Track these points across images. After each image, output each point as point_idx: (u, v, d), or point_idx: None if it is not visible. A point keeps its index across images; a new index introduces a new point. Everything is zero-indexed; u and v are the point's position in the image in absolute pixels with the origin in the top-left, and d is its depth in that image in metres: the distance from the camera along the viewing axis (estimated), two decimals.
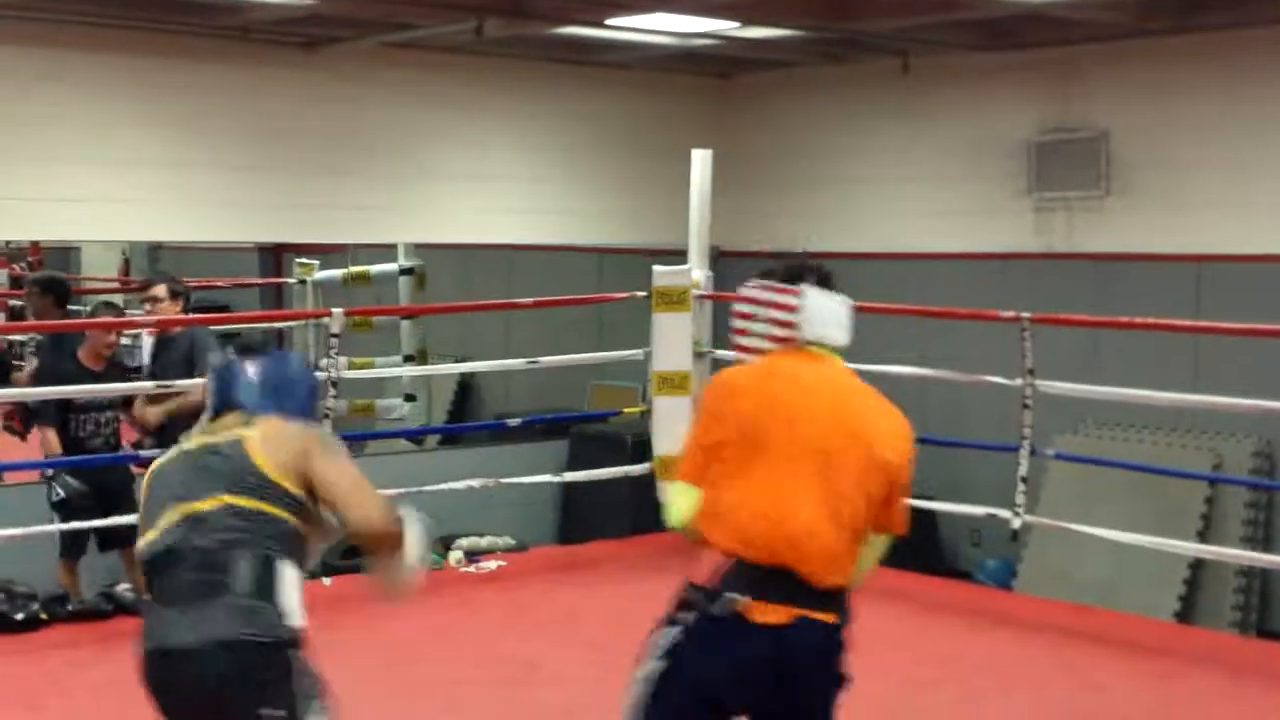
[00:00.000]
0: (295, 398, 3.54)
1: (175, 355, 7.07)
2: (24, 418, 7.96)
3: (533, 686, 5.54)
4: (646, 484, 7.37)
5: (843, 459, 3.22)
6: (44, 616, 6.19)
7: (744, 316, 3.43)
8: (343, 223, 9.24)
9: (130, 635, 5.87)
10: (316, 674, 3.26)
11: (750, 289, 3.44)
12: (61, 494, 6.73)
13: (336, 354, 6.74)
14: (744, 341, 3.43)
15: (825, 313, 3.37)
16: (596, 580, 7.13)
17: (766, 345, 3.38)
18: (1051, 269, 9.00)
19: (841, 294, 3.42)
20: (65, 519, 6.68)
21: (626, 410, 8.25)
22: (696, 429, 3.34)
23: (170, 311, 7.07)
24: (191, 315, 7.42)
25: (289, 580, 3.23)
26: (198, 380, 6.81)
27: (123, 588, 6.58)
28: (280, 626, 3.18)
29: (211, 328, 7.37)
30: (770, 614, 3.15)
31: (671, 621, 3.26)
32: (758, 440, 3.22)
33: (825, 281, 3.41)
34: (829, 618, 3.21)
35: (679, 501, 3.32)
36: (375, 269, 9.93)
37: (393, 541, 3.28)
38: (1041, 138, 9.03)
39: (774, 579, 3.16)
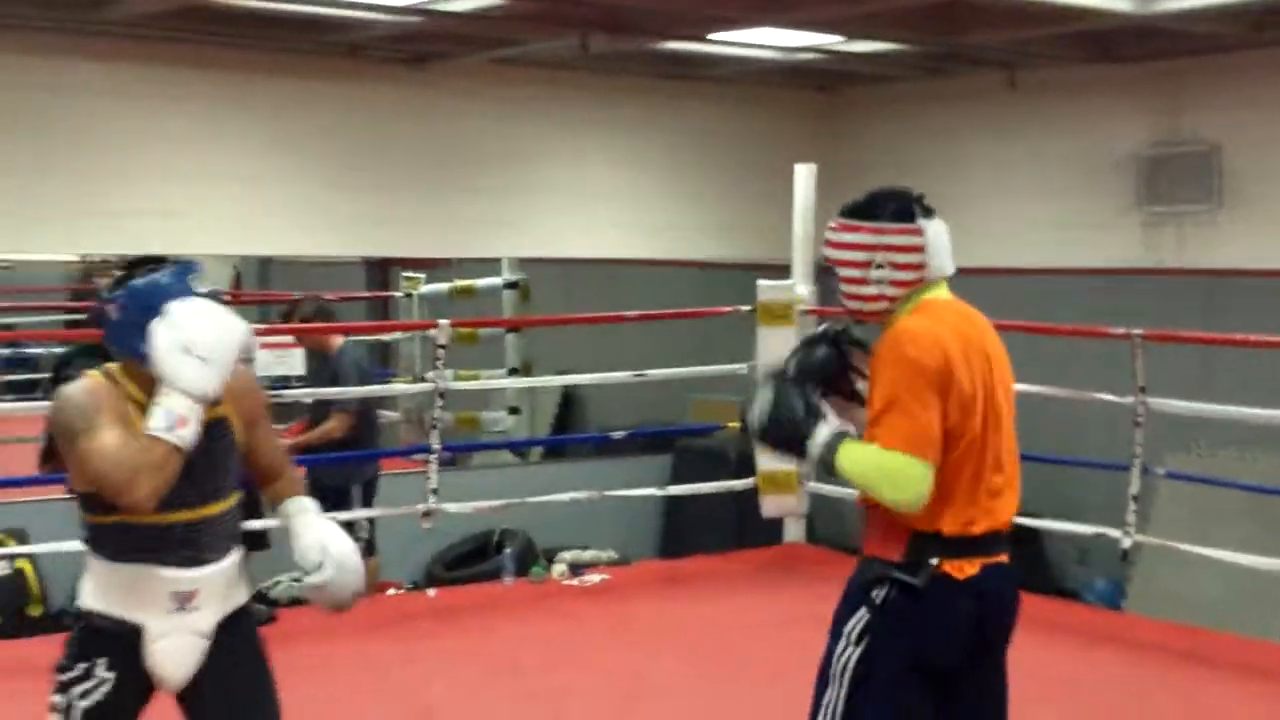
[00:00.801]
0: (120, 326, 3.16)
1: (323, 376, 7.24)
2: None
3: (639, 699, 5.55)
4: (749, 498, 7.35)
5: (1009, 401, 3.24)
6: None
7: (858, 265, 3.18)
8: (448, 237, 9.34)
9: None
10: (75, 653, 3.26)
11: (855, 234, 3.19)
12: None
13: (443, 366, 6.82)
14: (863, 291, 3.19)
15: (942, 243, 3.21)
16: (699, 594, 7.13)
17: (891, 291, 3.17)
18: (1161, 285, 8.86)
19: (936, 214, 3.24)
20: None
21: (730, 424, 8.25)
22: (930, 407, 3.05)
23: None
24: (298, 325, 7.53)
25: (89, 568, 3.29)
26: (331, 390, 6.96)
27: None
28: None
29: (358, 356, 7.45)
30: (967, 567, 3.12)
31: (860, 603, 3.16)
32: (981, 414, 3.13)
33: (929, 209, 3.22)
34: (1005, 557, 3.21)
35: (920, 483, 3.05)
36: (480, 283, 10.02)
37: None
38: (1151, 151, 8.91)
39: (971, 539, 3.13)
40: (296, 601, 7.38)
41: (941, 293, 3.23)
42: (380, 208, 9.07)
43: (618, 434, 8.22)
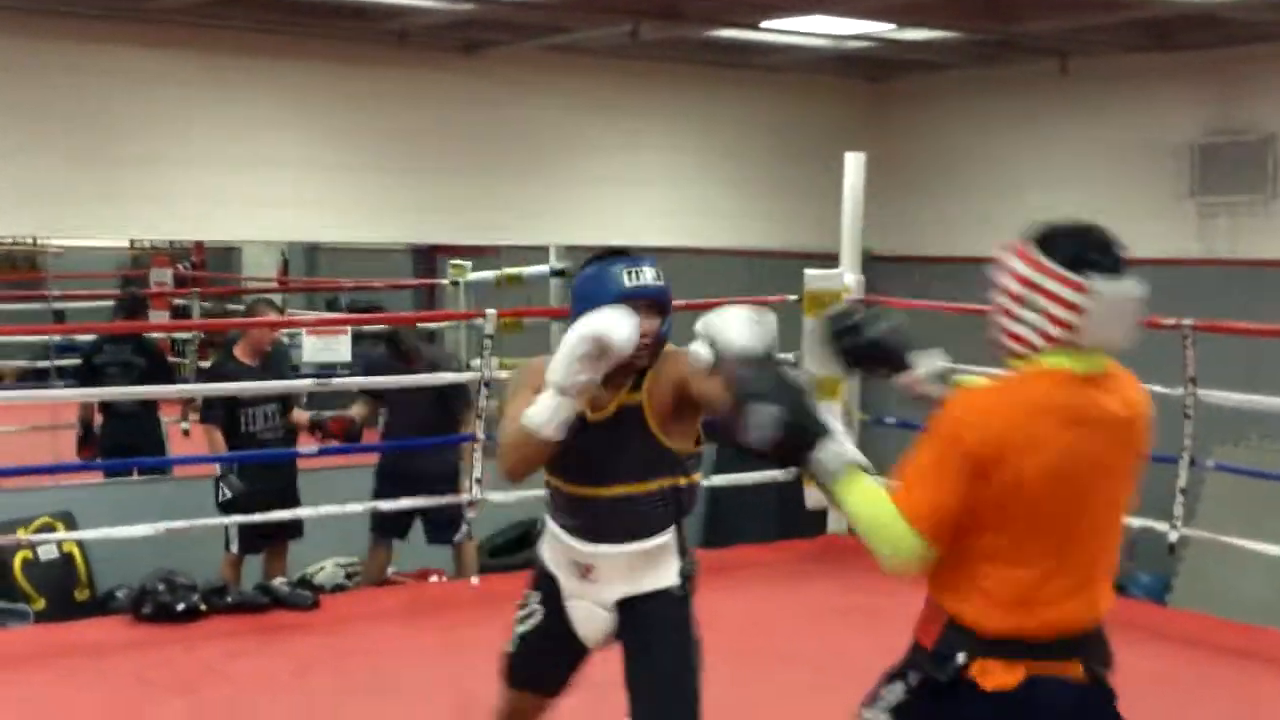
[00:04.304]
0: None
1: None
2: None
3: None
4: (793, 489, 7.32)
5: (1125, 494, 2.81)
6: (203, 607, 6.33)
7: (1014, 298, 2.73)
8: (496, 225, 9.36)
9: (286, 628, 5.97)
10: (530, 590, 3.62)
11: (1020, 263, 2.75)
12: (229, 495, 6.90)
13: (490, 354, 6.83)
14: (1013, 329, 2.73)
15: (1114, 314, 2.69)
16: (739, 585, 7.10)
17: (1037, 341, 2.69)
18: (1213, 275, 8.77)
19: (1131, 278, 2.71)
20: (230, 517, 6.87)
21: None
22: (953, 489, 2.60)
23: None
24: (347, 315, 7.56)
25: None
26: (359, 380, 6.99)
27: (279, 581, 6.72)
28: None
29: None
30: (1003, 675, 2.64)
31: (897, 677, 2.80)
32: (1060, 516, 2.65)
33: (1116, 266, 2.68)
34: (1075, 669, 2.69)
35: (911, 553, 2.62)
36: (527, 271, 9.99)
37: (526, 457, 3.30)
38: (1205, 140, 8.82)
39: (1015, 640, 2.66)
40: (339, 587, 7.42)
41: (1081, 365, 2.72)
42: (428, 195, 9.10)
43: None
